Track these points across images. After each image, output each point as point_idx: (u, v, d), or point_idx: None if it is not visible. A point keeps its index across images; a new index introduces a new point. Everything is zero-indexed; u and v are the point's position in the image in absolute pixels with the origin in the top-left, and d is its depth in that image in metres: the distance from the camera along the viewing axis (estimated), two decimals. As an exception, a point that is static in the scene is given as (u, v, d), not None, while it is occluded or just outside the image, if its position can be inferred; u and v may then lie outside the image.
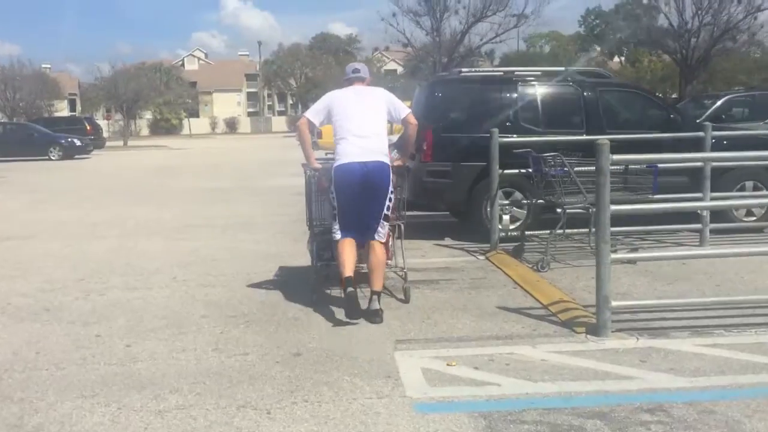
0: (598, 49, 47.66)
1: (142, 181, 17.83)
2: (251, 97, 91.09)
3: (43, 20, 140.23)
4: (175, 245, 8.54)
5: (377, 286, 5.18)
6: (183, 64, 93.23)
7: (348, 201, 5.21)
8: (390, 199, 5.31)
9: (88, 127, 32.34)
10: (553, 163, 6.71)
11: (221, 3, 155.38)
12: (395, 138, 11.90)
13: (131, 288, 6.35)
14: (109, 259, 7.71)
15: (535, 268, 6.64)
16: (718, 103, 15.35)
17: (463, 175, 8.17)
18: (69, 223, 10.53)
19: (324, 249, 5.88)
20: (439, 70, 18.23)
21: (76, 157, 28.19)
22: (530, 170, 7.19)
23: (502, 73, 8.63)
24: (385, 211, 5.26)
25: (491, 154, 7.31)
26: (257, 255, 7.75)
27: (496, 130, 7.34)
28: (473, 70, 8.55)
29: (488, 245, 7.65)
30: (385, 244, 5.49)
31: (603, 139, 4.70)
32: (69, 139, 28.06)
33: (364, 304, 5.19)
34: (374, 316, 5.06)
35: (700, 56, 20.27)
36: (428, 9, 17.83)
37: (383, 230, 5.30)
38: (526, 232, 7.67)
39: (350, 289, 5.08)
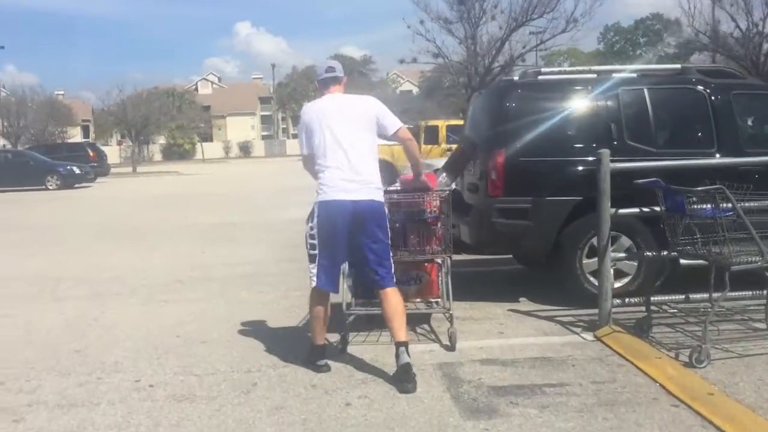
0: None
1: (139, 215, 15.69)
2: (265, 121, 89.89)
3: (60, 49, 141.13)
4: (154, 314, 6.31)
5: (400, 336, 4.26)
6: (196, 88, 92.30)
7: (332, 242, 4.35)
8: (386, 233, 4.42)
9: (91, 154, 30.42)
10: (709, 198, 4.41)
11: (234, 29, 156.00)
12: (437, 161, 9.53)
13: (66, 405, 4.10)
14: (55, 342, 5.48)
15: (688, 362, 4.32)
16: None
17: (548, 214, 5.90)
18: (24, 278, 8.31)
19: (363, 284, 4.94)
20: (475, 82, 15.98)
21: (76, 186, 26.20)
22: (657, 208, 4.92)
23: (595, 74, 6.36)
24: (383, 257, 4.38)
25: (600, 187, 5.02)
26: (264, 333, 5.50)
27: (606, 153, 5.05)
28: (554, 69, 6.23)
29: (587, 311, 5.42)
30: (433, 281, 5.35)
31: None
32: (68, 167, 26.05)
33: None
34: (405, 379, 4.05)
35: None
36: (460, 15, 15.63)
37: (391, 274, 4.42)
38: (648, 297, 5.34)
39: (322, 362, 4.45)
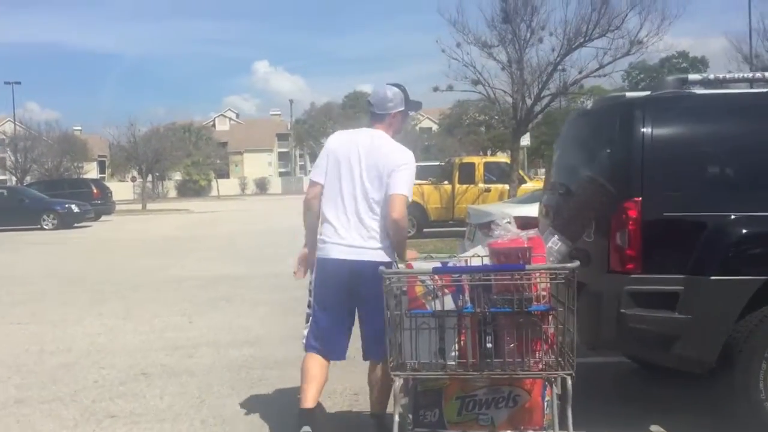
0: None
1: (130, 264, 13.53)
2: (282, 157, 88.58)
3: (83, 86, 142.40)
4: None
5: (378, 407, 3.80)
6: (214, 124, 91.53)
7: (327, 306, 3.79)
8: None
9: (95, 190, 28.48)
10: None
11: (252, 68, 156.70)
12: (514, 208, 7.44)
13: None
14: None
15: None
16: None
17: (715, 302, 3.67)
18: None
19: (427, 407, 3.38)
20: (522, 113, 13.79)
21: (75, 225, 24.19)
22: None
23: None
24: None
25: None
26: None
27: None
28: (705, 77, 3.99)
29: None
30: (536, 404, 3.30)
31: None
32: (66, 206, 24.02)
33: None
34: None
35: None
36: (502, 37, 13.53)
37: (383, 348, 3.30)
38: None
39: (306, 428, 3.64)
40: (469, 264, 3.25)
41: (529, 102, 13.65)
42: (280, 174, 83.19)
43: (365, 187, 3.70)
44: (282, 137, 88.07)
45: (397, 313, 3.10)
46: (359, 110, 77.41)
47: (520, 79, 13.28)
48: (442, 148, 44.77)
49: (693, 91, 4.07)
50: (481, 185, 15.99)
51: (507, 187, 14.70)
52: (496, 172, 16.45)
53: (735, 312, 3.66)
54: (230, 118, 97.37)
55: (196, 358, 6.03)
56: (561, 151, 5.12)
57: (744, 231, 3.67)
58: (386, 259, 3.65)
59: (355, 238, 3.69)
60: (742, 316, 3.67)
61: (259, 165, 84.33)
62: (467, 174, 16.06)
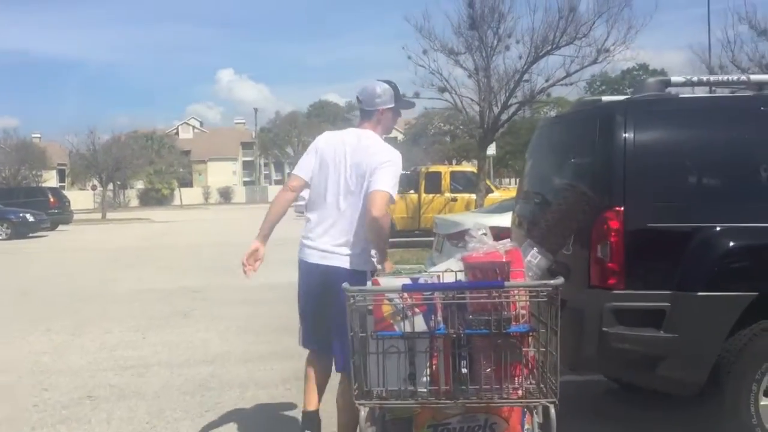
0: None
1: (84, 276, 12.95)
2: (247, 166, 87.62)
3: (44, 94, 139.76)
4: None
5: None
6: (177, 133, 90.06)
7: (307, 307, 3.69)
8: None
9: (52, 199, 27.49)
10: None
11: (217, 76, 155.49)
12: (473, 217, 7.17)
13: None
14: None
15: None
16: None
17: (704, 319, 3.45)
18: None
19: None
20: (489, 122, 13.59)
21: (30, 235, 23.33)
22: None
23: (757, 86, 3.93)
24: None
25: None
26: None
27: None
28: (688, 79, 3.76)
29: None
30: None
31: None
32: (20, 215, 23.14)
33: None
34: None
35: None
36: (468, 44, 13.32)
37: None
38: None
39: None
40: (441, 280, 2.95)
41: (496, 110, 13.46)
42: (245, 183, 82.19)
43: (348, 188, 3.54)
44: (246, 146, 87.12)
45: (362, 335, 2.79)
46: (324, 119, 77.13)
47: (487, 87, 13.09)
48: (407, 158, 44.58)
49: (676, 93, 3.86)
50: (448, 194, 15.76)
51: (474, 196, 14.50)
52: (463, 182, 16.24)
53: (724, 331, 3.44)
54: (194, 126, 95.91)
55: (147, 378, 5.63)
56: (534, 159, 4.87)
57: (733, 243, 3.45)
58: (358, 267, 3.47)
59: (326, 243, 3.54)
60: (731, 334, 3.45)
61: (223, 174, 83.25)
62: (433, 183, 15.82)
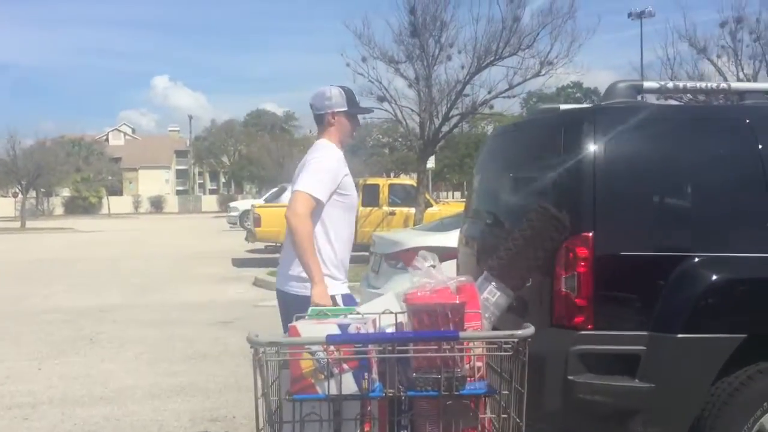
0: None
1: (-12, 291, 11.80)
2: (181, 175, 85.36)
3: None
4: None
5: None
6: (107, 139, 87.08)
7: None
8: None
9: (-37, 207, 25.74)
10: None
11: (152, 83, 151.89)
12: (414, 236, 6.61)
13: None
14: None
15: None
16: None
17: (686, 365, 2.92)
18: None
19: None
20: (429, 134, 13.08)
21: (-64, 245, 21.67)
22: None
23: (736, 96, 3.45)
24: None
25: None
26: None
27: None
28: (662, 85, 3.26)
29: None
30: None
31: None
32: None
33: None
34: None
35: None
36: (409, 53, 12.81)
37: None
38: None
39: None
40: (378, 324, 2.33)
41: (437, 122, 12.97)
42: (178, 192, 79.93)
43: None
44: (181, 154, 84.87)
45: (274, 399, 2.14)
46: (261, 128, 75.75)
47: (428, 97, 12.58)
48: (350, 166, 43.83)
49: (652, 103, 3.36)
50: (386, 208, 15.15)
51: (413, 210, 13.98)
52: (402, 195, 15.69)
53: (708, 379, 2.92)
54: (125, 133, 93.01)
55: (31, 422, 4.79)
56: (484, 173, 4.31)
57: (717, 276, 2.94)
58: (299, 291, 3.10)
59: (280, 264, 3.32)
60: (722, 378, 2.95)
61: (155, 182, 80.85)
62: (371, 196, 15.20)
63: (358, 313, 2.41)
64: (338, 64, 23.46)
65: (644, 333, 2.93)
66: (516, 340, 2.11)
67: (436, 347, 2.08)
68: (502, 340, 2.13)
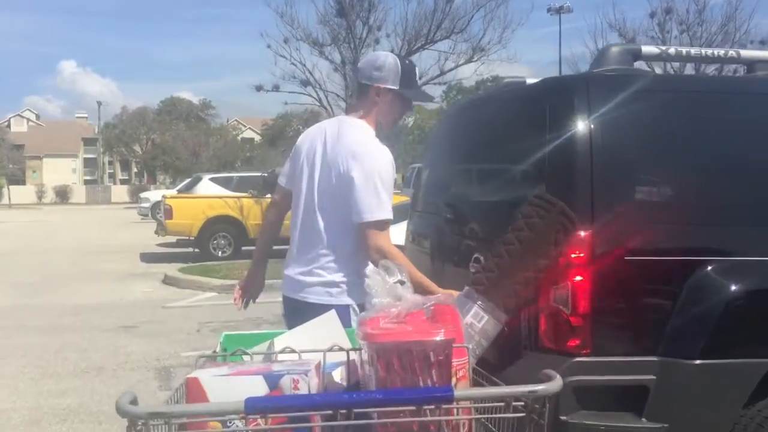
0: None
1: None
2: (89, 164, 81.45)
3: None
4: None
5: None
6: (9, 125, 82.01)
7: None
8: None
9: None
10: None
11: (58, 67, 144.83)
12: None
13: None
14: None
15: None
16: None
17: (706, 397, 2.31)
18: None
19: None
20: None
21: None
22: None
23: (745, 67, 2.90)
24: None
25: None
26: None
27: None
28: (669, 51, 2.65)
29: None
30: None
31: None
32: None
33: None
34: None
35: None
36: (335, 35, 12.04)
37: None
38: None
39: None
40: (322, 368, 1.59)
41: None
42: (86, 182, 76.23)
43: (320, 193, 2.62)
44: (89, 142, 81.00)
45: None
46: (176, 116, 73.01)
47: (355, 82, 11.86)
48: (264, 160, 42.63)
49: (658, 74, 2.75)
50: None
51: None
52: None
53: (731, 414, 2.33)
54: (29, 119, 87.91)
55: None
56: (438, 160, 3.61)
57: (747, 285, 2.35)
58: (333, 300, 2.53)
59: (296, 269, 2.69)
60: (751, 407, 2.37)
61: (61, 171, 76.72)
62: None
63: (291, 349, 1.65)
64: (259, 51, 22.41)
65: (654, 358, 2.32)
66: (532, 398, 1.42)
67: (415, 411, 1.36)
68: (513, 396, 1.43)
